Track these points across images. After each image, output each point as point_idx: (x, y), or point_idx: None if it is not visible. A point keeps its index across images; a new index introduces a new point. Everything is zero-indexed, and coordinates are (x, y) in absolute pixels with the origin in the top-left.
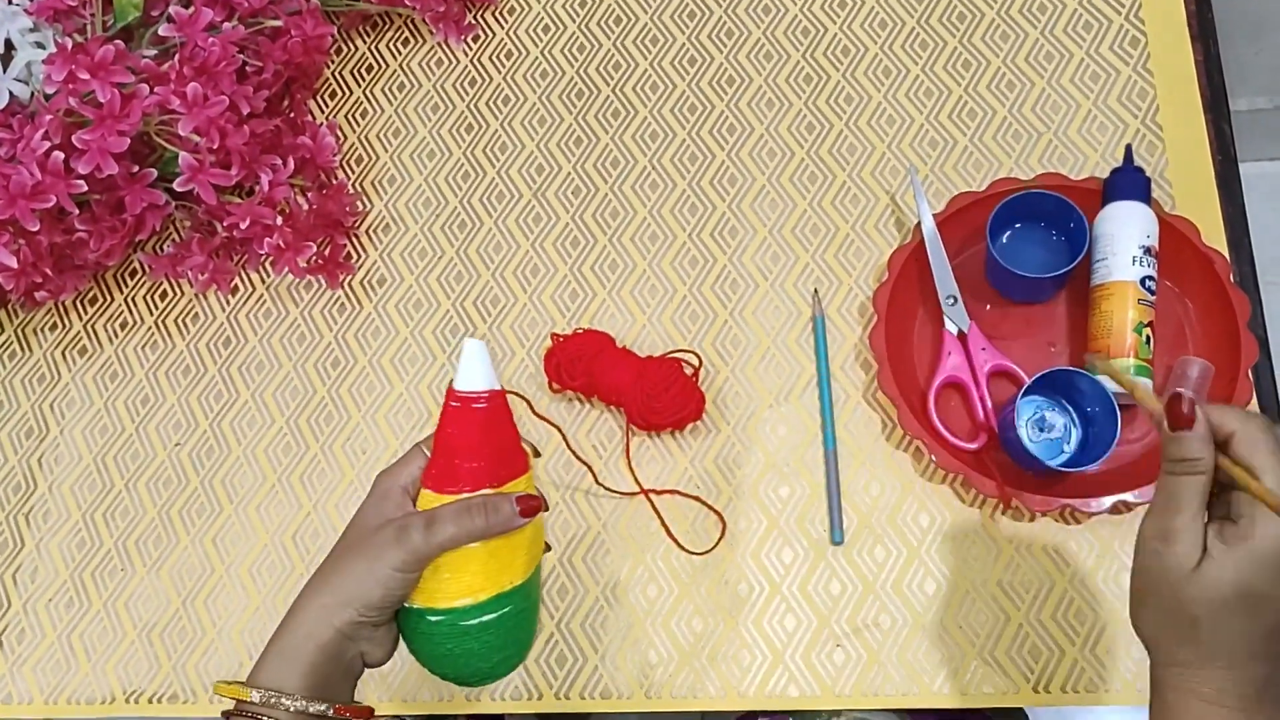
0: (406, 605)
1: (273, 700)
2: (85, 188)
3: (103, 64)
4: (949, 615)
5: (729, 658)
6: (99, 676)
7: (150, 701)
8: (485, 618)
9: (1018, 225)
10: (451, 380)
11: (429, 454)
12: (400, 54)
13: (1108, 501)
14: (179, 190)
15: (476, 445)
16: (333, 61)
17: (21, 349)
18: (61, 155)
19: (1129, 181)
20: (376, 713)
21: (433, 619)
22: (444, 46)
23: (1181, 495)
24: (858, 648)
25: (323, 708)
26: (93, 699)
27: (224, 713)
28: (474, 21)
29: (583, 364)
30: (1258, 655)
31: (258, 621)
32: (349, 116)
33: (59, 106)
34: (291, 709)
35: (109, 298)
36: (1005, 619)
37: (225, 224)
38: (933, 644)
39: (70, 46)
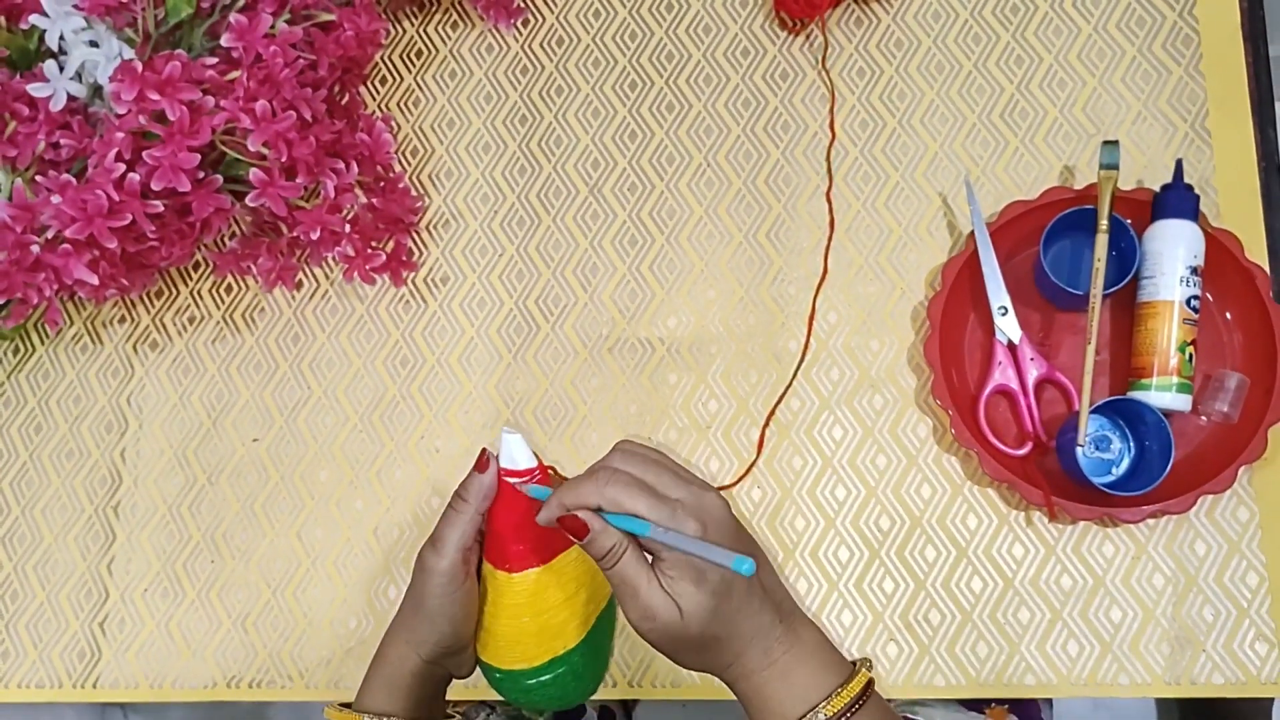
0: (478, 657)
1: None
2: (161, 207)
3: (170, 81)
4: (994, 612)
5: None
6: (200, 663)
7: (250, 686)
8: (542, 678)
9: (1069, 235)
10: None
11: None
12: (450, 39)
13: (1145, 510)
14: (250, 204)
15: (520, 525)
16: (382, 45)
17: (93, 342)
18: (137, 176)
19: (1179, 200)
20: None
21: (497, 675)
22: (494, 32)
23: (626, 577)
24: (910, 642)
25: None
26: (195, 684)
27: None
28: (522, 5)
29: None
30: (765, 609)
31: (346, 612)
32: (401, 105)
33: (129, 126)
34: None
35: (174, 291)
36: (1046, 616)
37: (295, 231)
38: (980, 639)
39: (139, 66)
